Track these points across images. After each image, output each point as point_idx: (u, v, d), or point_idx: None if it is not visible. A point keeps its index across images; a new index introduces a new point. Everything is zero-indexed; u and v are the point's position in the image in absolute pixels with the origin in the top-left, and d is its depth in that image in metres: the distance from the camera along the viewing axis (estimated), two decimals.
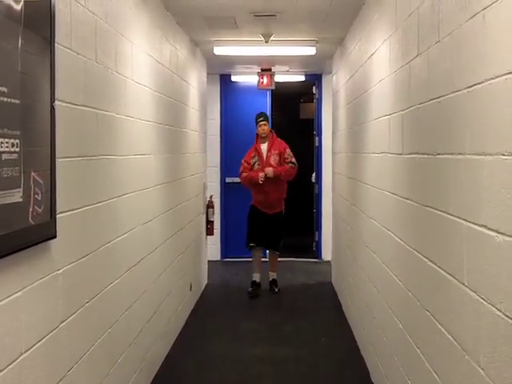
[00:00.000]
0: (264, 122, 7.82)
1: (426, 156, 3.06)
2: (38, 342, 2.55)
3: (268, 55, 7.88)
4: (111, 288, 3.62)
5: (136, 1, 4.32)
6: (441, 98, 2.75)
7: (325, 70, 9.42)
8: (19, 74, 2.27)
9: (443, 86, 2.70)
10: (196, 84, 7.31)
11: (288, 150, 7.75)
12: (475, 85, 2.27)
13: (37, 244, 2.49)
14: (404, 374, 3.59)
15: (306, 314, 6.89)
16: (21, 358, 2.38)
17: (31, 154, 2.37)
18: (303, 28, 6.48)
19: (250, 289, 7.66)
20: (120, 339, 3.87)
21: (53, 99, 2.60)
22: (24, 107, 2.31)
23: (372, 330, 4.84)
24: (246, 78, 9.89)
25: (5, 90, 2.13)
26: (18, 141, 2.23)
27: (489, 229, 2.12)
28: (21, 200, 2.28)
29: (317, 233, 10.14)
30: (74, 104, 2.98)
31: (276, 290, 7.90)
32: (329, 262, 8.94)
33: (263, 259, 7.97)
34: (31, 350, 2.47)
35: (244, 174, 7.78)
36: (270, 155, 7.72)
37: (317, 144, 10.07)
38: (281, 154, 7.71)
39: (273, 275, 7.97)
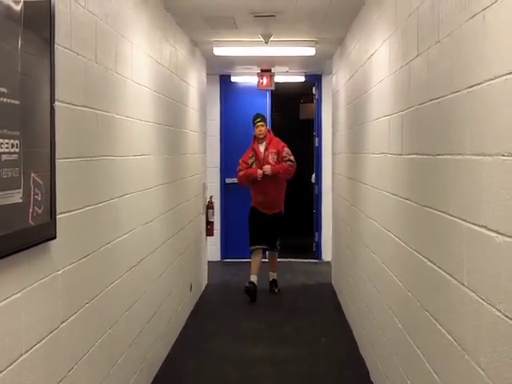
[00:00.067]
0: (261, 123, 7.79)
1: (425, 156, 3.06)
2: (38, 342, 2.55)
3: (268, 56, 7.88)
4: (111, 288, 3.62)
5: (136, 1, 4.32)
6: (440, 99, 2.75)
7: (324, 70, 9.42)
8: (19, 74, 2.27)
9: (443, 87, 2.70)
10: (196, 84, 7.31)
11: (286, 149, 7.73)
12: (475, 85, 2.27)
13: (37, 245, 2.49)
14: (404, 374, 3.59)
15: (306, 314, 6.89)
16: (20, 358, 2.37)
17: (31, 154, 2.37)
18: (303, 28, 6.48)
19: (248, 284, 7.45)
20: (120, 340, 3.87)
21: (53, 100, 2.60)
22: (24, 108, 2.31)
23: (372, 330, 4.84)
24: (245, 79, 9.89)
25: (4, 90, 2.13)
26: (17, 141, 2.23)
27: (489, 229, 2.12)
28: (21, 201, 2.28)
29: (317, 233, 10.14)
30: (73, 104, 2.98)
31: (276, 290, 7.89)
32: (329, 262, 8.95)
33: (263, 260, 7.95)
34: (31, 350, 2.47)
35: (241, 173, 7.76)
36: (267, 154, 7.71)
37: (317, 144, 10.07)
38: (279, 153, 7.70)
39: (273, 275, 7.97)
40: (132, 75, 4.17)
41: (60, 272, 2.80)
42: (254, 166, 7.73)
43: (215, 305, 7.37)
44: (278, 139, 7.91)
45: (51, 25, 2.57)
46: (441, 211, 2.74)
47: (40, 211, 2.46)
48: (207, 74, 8.50)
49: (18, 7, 2.25)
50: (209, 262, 8.56)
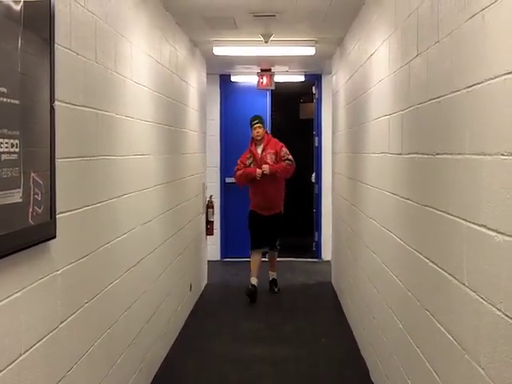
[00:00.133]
0: (259, 125, 7.74)
1: (425, 156, 3.06)
2: (38, 342, 2.55)
3: (268, 55, 7.88)
4: (111, 288, 3.62)
5: (135, 1, 4.32)
6: (440, 98, 2.75)
7: (324, 70, 9.42)
8: (19, 74, 2.27)
9: (442, 86, 2.70)
10: (195, 84, 7.31)
11: (284, 149, 7.70)
12: (474, 85, 2.27)
13: (36, 244, 2.49)
14: (404, 374, 3.59)
15: (306, 314, 6.89)
16: (20, 358, 2.38)
17: (31, 154, 2.37)
18: (303, 28, 6.48)
19: (250, 286, 7.49)
20: (119, 339, 3.87)
21: (52, 99, 2.60)
22: (24, 108, 2.31)
23: (372, 330, 4.84)
24: (245, 79, 9.89)
25: (4, 90, 2.13)
26: (17, 141, 2.23)
27: (488, 229, 2.12)
28: (20, 200, 2.28)
29: (316, 233, 10.15)
30: (73, 104, 2.98)
31: (276, 289, 7.89)
32: (328, 261, 8.95)
33: (262, 259, 7.94)
34: (30, 350, 2.47)
35: (239, 172, 7.73)
36: (265, 154, 7.67)
37: (316, 144, 10.07)
38: (277, 153, 7.66)
39: (273, 275, 7.96)
40: (132, 75, 4.17)
41: (59, 272, 2.80)
42: (252, 166, 7.71)
43: (215, 304, 7.37)
44: (275, 140, 7.89)
45: (51, 24, 2.57)
46: (441, 211, 2.74)
47: (40, 211, 2.46)
48: (207, 74, 8.50)
49: (17, 7, 2.25)
50: (209, 261, 8.56)
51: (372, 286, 4.76)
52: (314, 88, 10.11)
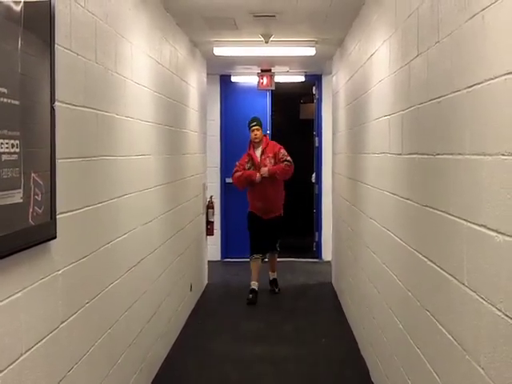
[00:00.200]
0: (257, 127, 7.67)
1: (425, 156, 3.06)
2: (38, 342, 2.56)
3: (268, 56, 7.88)
4: (111, 288, 3.62)
5: (136, 2, 4.32)
6: (440, 99, 2.76)
7: (325, 70, 9.42)
8: (19, 75, 2.28)
9: (443, 87, 2.71)
10: (196, 85, 7.31)
11: (282, 150, 7.62)
12: (475, 85, 2.27)
13: (37, 245, 2.49)
14: (404, 374, 3.59)
15: (306, 314, 6.90)
16: (21, 358, 2.38)
17: (31, 154, 2.37)
18: (303, 29, 6.48)
19: (250, 295, 7.44)
20: (120, 339, 3.87)
21: (53, 100, 2.60)
22: (24, 108, 2.31)
23: (372, 330, 4.84)
24: (245, 79, 9.89)
25: (5, 91, 2.13)
26: (17, 142, 2.24)
27: (489, 229, 2.12)
28: (21, 201, 2.28)
29: (317, 233, 10.15)
30: (73, 105, 2.99)
31: (276, 290, 7.89)
32: (329, 262, 8.95)
33: (264, 259, 7.94)
34: (31, 350, 2.48)
35: (238, 173, 7.63)
36: (264, 158, 7.60)
37: (317, 144, 10.07)
38: (276, 156, 7.59)
39: (273, 275, 7.96)
40: (132, 75, 4.17)
41: (60, 272, 2.80)
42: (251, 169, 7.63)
43: (215, 304, 7.37)
44: (274, 142, 7.85)
45: (51, 25, 2.58)
46: (441, 211, 2.74)
47: (40, 211, 2.46)
48: (207, 74, 8.50)
49: (18, 8, 2.26)
50: (209, 261, 8.57)
51: (372, 286, 4.76)
52: (314, 88, 10.12)
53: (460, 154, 2.45)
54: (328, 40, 7.02)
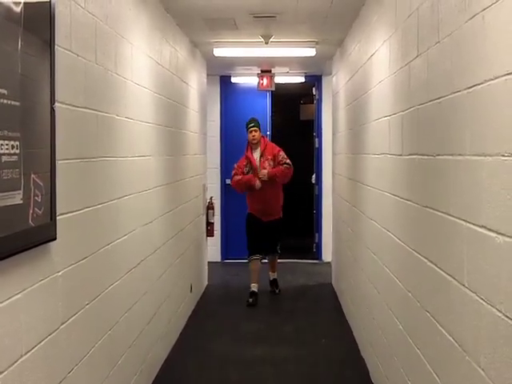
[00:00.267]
0: (255, 128, 7.57)
1: (425, 157, 3.06)
2: (38, 343, 2.55)
3: (268, 56, 7.88)
4: (111, 290, 3.62)
5: (136, 2, 4.32)
6: (441, 99, 2.75)
7: (325, 71, 9.42)
8: (19, 75, 2.28)
9: (443, 87, 2.70)
10: (196, 85, 7.31)
11: (281, 153, 7.54)
12: (475, 85, 2.27)
13: (37, 246, 2.49)
14: (404, 375, 3.59)
15: (307, 315, 6.90)
16: (21, 359, 2.38)
17: (31, 155, 2.37)
18: (303, 29, 6.48)
19: (250, 299, 7.39)
20: (120, 341, 3.87)
21: (53, 101, 2.60)
22: (24, 109, 2.31)
23: (372, 331, 4.84)
24: (245, 80, 9.89)
25: (5, 92, 2.13)
26: (17, 143, 2.23)
27: (489, 229, 2.12)
28: (21, 202, 2.28)
29: (317, 234, 10.15)
30: (74, 106, 2.98)
31: (277, 291, 7.88)
32: (329, 263, 8.95)
33: (263, 260, 7.93)
34: (31, 351, 2.47)
35: (238, 177, 7.54)
36: (263, 161, 7.51)
37: (317, 145, 10.07)
38: (275, 158, 7.50)
39: (273, 275, 7.95)
40: (132, 76, 4.17)
41: (60, 273, 2.80)
42: (250, 174, 7.52)
43: (215, 305, 7.37)
44: (273, 144, 7.78)
45: (51, 26, 2.57)
46: (441, 212, 2.74)
47: (40, 212, 2.46)
48: (207, 75, 8.50)
49: (18, 8, 2.26)
50: (209, 262, 8.56)
51: (372, 287, 4.76)
52: (314, 89, 10.12)
53: (460, 154, 2.45)
54: (328, 40, 7.02)
